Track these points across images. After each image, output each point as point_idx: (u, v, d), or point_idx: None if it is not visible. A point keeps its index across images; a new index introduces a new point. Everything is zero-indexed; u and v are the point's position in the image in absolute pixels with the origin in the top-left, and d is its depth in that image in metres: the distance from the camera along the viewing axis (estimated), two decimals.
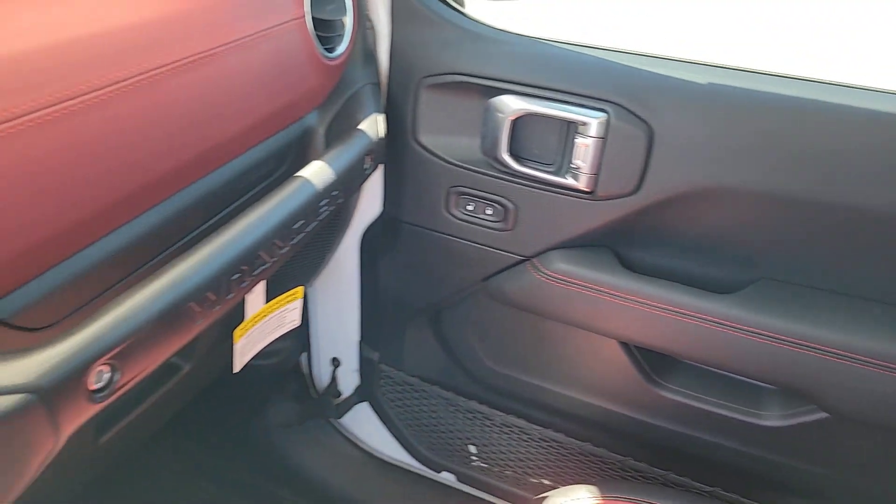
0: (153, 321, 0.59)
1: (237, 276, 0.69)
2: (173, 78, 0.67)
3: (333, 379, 1.53)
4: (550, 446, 1.30)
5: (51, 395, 0.51)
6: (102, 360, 0.55)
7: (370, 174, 1.01)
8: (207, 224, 0.80)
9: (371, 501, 1.54)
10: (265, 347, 1.09)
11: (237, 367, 1.04)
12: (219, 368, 1.17)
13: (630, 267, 1.07)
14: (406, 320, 1.36)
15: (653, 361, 1.15)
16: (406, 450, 1.52)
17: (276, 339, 1.11)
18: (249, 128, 0.82)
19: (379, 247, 1.29)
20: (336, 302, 1.42)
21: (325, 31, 0.95)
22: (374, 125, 1.00)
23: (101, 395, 0.55)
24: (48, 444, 0.53)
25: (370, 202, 1.23)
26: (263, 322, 1.05)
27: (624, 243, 1.07)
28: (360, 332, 1.45)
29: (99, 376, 0.55)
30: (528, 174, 1.04)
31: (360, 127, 0.98)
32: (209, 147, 0.75)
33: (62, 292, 0.62)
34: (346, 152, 0.92)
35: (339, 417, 1.57)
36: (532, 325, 1.19)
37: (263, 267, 0.73)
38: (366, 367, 1.48)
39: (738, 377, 1.11)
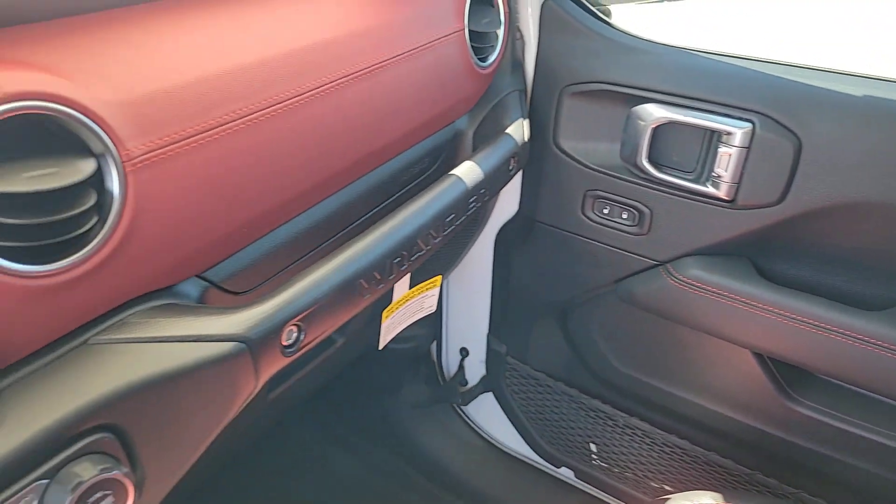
0: (333, 292, 0.69)
1: (398, 259, 0.78)
2: (355, 85, 0.78)
3: (461, 368, 1.62)
4: (674, 452, 1.31)
5: (256, 345, 0.62)
6: (294, 321, 0.65)
7: (514, 175, 1.08)
8: (372, 212, 0.90)
9: (489, 489, 1.61)
10: (403, 332, 1.19)
11: (382, 345, 1.15)
12: (364, 345, 1.29)
13: (768, 277, 1.06)
14: (534, 316, 1.41)
15: (788, 374, 1.13)
16: (527, 442, 1.57)
17: (411, 327, 1.21)
18: (411, 129, 0.91)
19: (513, 244, 1.36)
20: (468, 295, 1.51)
21: (479, 42, 1.03)
22: (519, 130, 1.07)
23: (290, 350, 0.66)
24: (249, 387, 0.64)
25: (507, 202, 1.30)
26: (406, 305, 1.15)
27: (763, 253, 1.07)
28: (489, 324, 1.52)
29: (289, 334, 0.66)
30: (666, 181, 1.06)
31: (507, 131, 1.05)
32: (379, 146, 0.85)
33: (258, 264, 0.74)
34: (494, 154, 0.99)
35: (465, 405, 1.65)
36: (661, 329, 1.20)
37: (419, 254, 0.82)
38: (493, 358, 1.55)
39: (880, 397, 1.06)
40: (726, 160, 0.99)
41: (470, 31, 1.00)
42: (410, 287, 1.15)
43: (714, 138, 1.02)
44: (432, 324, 1.64)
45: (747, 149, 0.98)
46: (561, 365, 1.42)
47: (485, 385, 1.60)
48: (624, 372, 1.30)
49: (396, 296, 1.10)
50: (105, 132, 0.53)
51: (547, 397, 1.48)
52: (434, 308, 1.23)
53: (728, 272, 1.06)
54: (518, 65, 1.16)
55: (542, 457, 1.56)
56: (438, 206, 0.85)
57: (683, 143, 1.05)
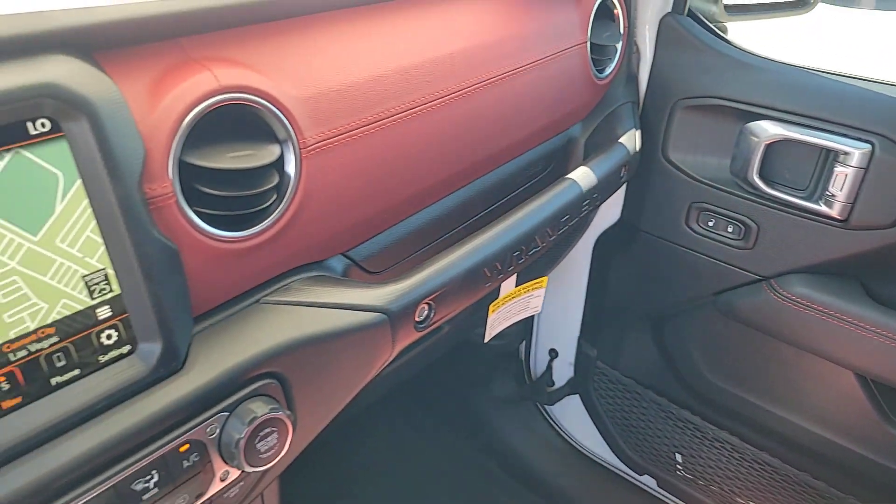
0: (461, 276, 0.76)
1: (517, 253, 0.84)
2: (488, 90, 0.85)
3: (549, 368, 1.66)
4: (763, 469, 1.31)
5: (395, 317, 0.70)
6: (426, 299, 0.73)
7: (623, 183, 1.12)
8: (490, 209, 0.97)
9: (568, 490, 1.64)
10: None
11: (487, 338, 1.21)
12: (462, 336, 1.36)
13: (878, 300, 1.05)
14: (628, 323, 1.44)
15: (891, 399, 1.11)
16: (610, 447, 1.60)
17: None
18: (531, 134, 0.97)
19: (612, 251, 1.40)
20: (562, 297, 1.55)
21: (599, 54, 1.08)
22: (631, 140, 1.11)
23: (422, 325, 0.73)
24: (386, 354, 0.72)
25: (609, 209, 1.34)
26: (512, 303, 1.21)
27: (874, 275, 1.06)
28: (581, 328, 1.56)
29: (422, 311, 0.73)
30: (776, 197, 1.08)
31: (620, 140, 1.09)
32: (502, 147, 0.91)
33: (390, 248, 0.82)
34: (607, 161, 1.04)
35: (550, 405, 1.70)
36: (760, 345, 1.21)
37: (535, 250, 0.88)
38: (582, 361, 1.59)
39: None
40: (842, 180, 1.00)
41: (591, 43, 1.05)
42: (517, 285, 1.21)
43: (830, 157, 1.02)
44: (523, 323, 1.69)
45: (865, 169, 0.98)
46: (651, 372, 1.44)
47: (572, 387, 1.64)
48: (717, 384, 1.31)
49: (504, 292, 1.17)
50: (289, 122, 0.62)
51: (634, 404, 1.50)
52: (539, 308, 1.28)
53: (836, 292, 1.06)
54: (632, 77, 1.20)
55: (624, 463, 1.58)
56: (556, 206, 0.90)
57: (797, 160, 1.06)
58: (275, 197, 0.63)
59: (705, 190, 1.17)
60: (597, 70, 1.08)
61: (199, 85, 0.56)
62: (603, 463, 1.64)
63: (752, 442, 1.31)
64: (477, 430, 1.78)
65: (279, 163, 0.63)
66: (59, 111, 0.47)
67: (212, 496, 0.60)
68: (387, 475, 1.68)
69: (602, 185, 1.00)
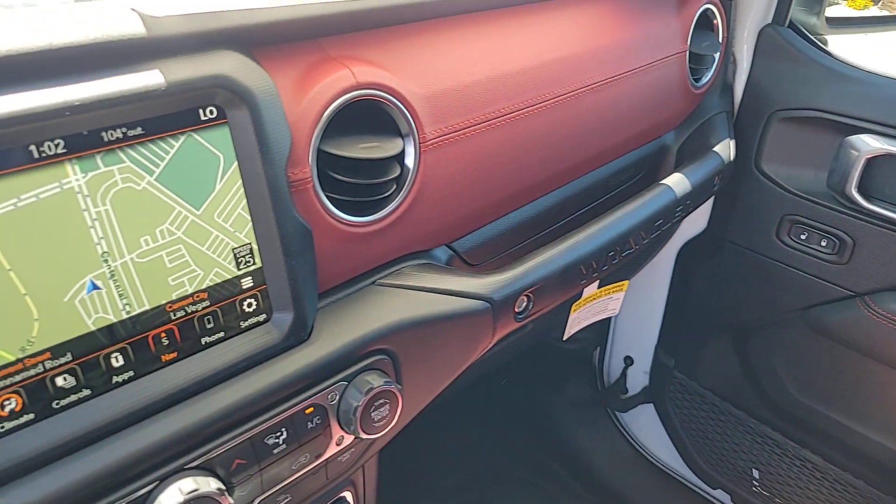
0: (559, 272, 0.79)
1: (612, 253, 0.87)
2: (591, 95, 0.88)
3: (623, 375, 1.66)
4: (846, 491, 1.28)
5: (497, 306, 0.73)
6: (526, 291, 0.76)
7: (715, 192, 1.12)
8: (583, 211, 1.00)
9: (636, 499, 1.64)
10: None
11: (566, 336, 1.24)
12: (542, 334, 1.38)
13: None
14: (709, 334, 1.43)
15: None
16: (683, 459, 1.59)
17: (580, 329, 1.28)
18: (627, 139, 1.00)
19: (696, 261, 1.39)
20: (641, 304, 1.55)
21: (696, 63, 1.10)
22: (726, 149, 1.12)
23: (520, 316, 0.77)
24: (486, 341, 0.76)
25: (694, 219, 1.34)
26: (593, 303, 1.23)
27: None
28: (659, 336, 1.56)
29: (521, 303, 0.77)
30: (876, 212, 1.06)
31: (715, 149, 1.10)
32: (600, 150, 0.94)
33: (490, 242, 0.86)
34: (701, 169, 1.05)
35: (623, 412, 1.70)
36: (850, 362, 1.19)
37: (629, 251, 0.90)
38: (658, 370, 1.58)
39: None
40: None
41: (690, 52, 1.06)
42: (599, 287, 1.23)
43: None
44: (598, 329, 1.70)
45: None
46: (731, 385, 1.43)
47: (646, 396, 1.64)
48: (801, 401, 1.29)
49: (586, 293, 1.19)
50: (412, 118, 0.67)
51: (711, 416, 1.49)
52: (617, 311, 1.30)
53: None
54: (728, 87, 1.20)
55: (697, 475, 1.57)
56: (651, 210, 0.92)
57: None
58: (394, 187, 0.68)
59: (799, 203, 1.16)
60: (693, 79, 1.09)
61: (340, 81, 0.61)
62: (674, 474, 1.63)
63: (836, 462, 1.28)
64: (545, 432, 1.80)
65: (400, 155, 0.68)
66: (227, 100, 0.54)
67: (328, 458, 0.65)
68: (448, 468, 1.72)
69: (695, 192, 1.01)
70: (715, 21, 1.12)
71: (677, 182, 0.99)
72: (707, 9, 1.08)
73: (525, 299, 0.77)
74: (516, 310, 0.76)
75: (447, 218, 0.76)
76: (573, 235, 0.83)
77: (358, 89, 0.62)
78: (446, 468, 1.72)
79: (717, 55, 1.12)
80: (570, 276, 0.81)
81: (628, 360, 1.65)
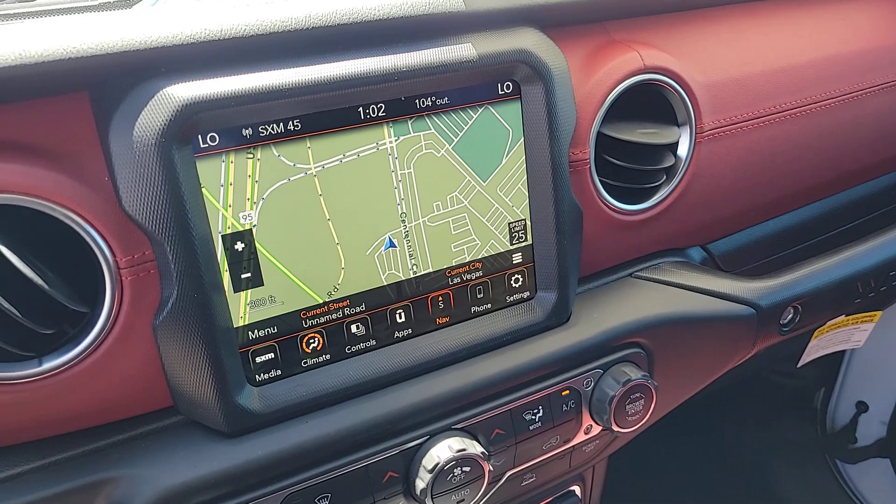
0: (831, 285, 0.72)
1: (894, 273, 0.77)
2: (876, 97, 0.79)
3: (853, 422, 1.47)
4: None
5: (763, 314, 0.68)
6: (795, 302, 0.70)
7: None
8: (846, 226, 0.90)
9: None
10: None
11: (801, 363, 1.12)
12: (766, 359, 1.26)
13: None
14: None
15: None
16: None
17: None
18: None
19: None
20: (888, 342, 1.37)
21: None
22: None
23: (786, 329, 0.71)
24: (744, 352, 0.70)
25: None
26: (837, 332, 1.10)
27: None
28: None
29: (787, 314, 0.70)
30: None
31: None
32: (878, 160, 0.84)
33: (746, 248, 0.80)
34: None
35: (851, 464, 1.51)
36: None
37: None
38: None
39: None
40: None
41: None
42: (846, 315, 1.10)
43: None
44: (827, 363, 1.52)
45: None
46: None
47: (881, 449, 1.44)
48: None
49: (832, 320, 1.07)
50: (692, 106, 0.64)
51: None
52: (861, 343, 1.15)
53: None
54: None
55: None
56: None
57: None
58: (664, 178, 0.66)
59: None
60: None
61: (627, 63, 0.60)
62: None
63: None
64: (748, 472, 1.64)
65: (674, 145, 0.65)
66: (525, 75, 0.55)
67: (574, 445, 0.64)
68: (657, 486, 1.62)
69: None
70: None
71: None
72: None
73: (792, 311, 0.70)
74: (782, 321, 0.70)
75: (710, 216, 0.71)
76: (849, 248, 0.75)
77: (644, 73, 0.61)
78: (649, 486, 1.63)
79: None
80: (844, 291, 0.73)
81: (862, 406, 1.46)
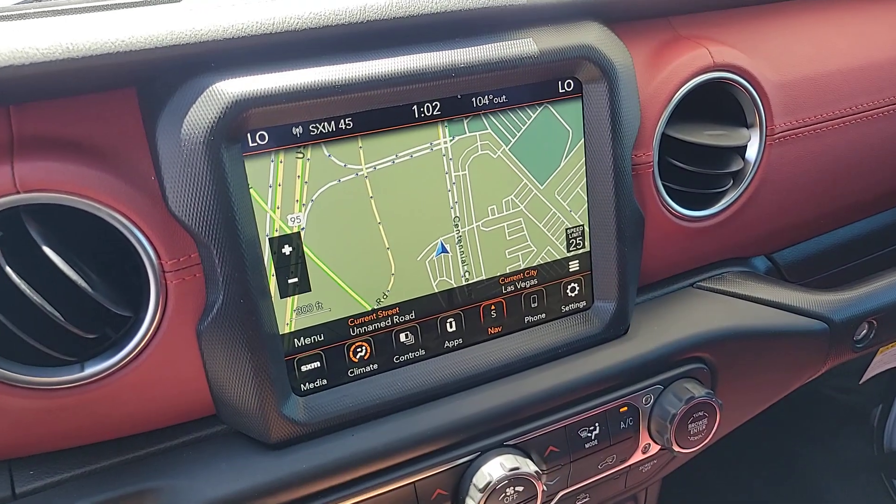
0: None
1: None
2: None
3: None
4: None
5: (836, 329, 0.64)
6: (870, 317, 0.65)
7: None
8: None
9: None
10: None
11: (864, 379, 1.06)
12: (825, 374, 1.20)
13: None
14: None
15: None
16: None
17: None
18: None
19: None
20: None
21: None
22: None
23: (859, 346, 0.66)
24: (815, 368, 0.66)
25: None
26: None
27: None
28: None
29: (861, 329, 0.66)
30: None
31: None
32: None
33: (812, 259, 0.75)
34: None
35: None
36: None
37: None
38: None
39: None
40: None
41: None
42: None
43: None
44: (886, 380, 1.45)
45: None
46: None
47: None
48: None
49: None
50: (763, 107, 0.60)
51: None
52: None
53: None
54: None
55: None
56: None
57: None
58: (730, 182, 0.62)
59: None
60: None
61: (696, 60, 0.56)
62: None
63: None
64: (801, 491, 1.58)
65: (742, 149, 0.61)
66: (588, 73, 0.52)
67: (631, 464, 0.60)
68: None
69: None
70: None
71: None
72: None
73: (867, 326, 0.66)
74: (856, 337, 0.66)
75: (777, 224, 0.67)
76: None
77: (714, 70, 0.57)
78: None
79: None
80: None
81: None
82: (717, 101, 0.61)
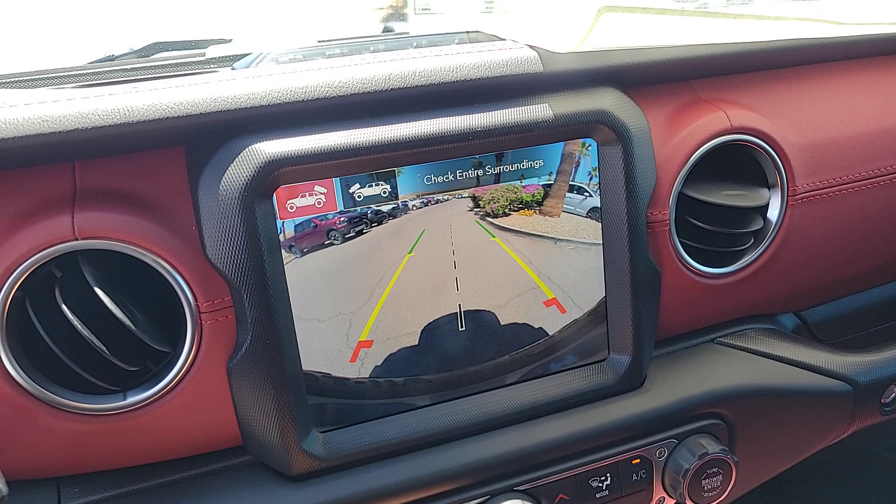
0: None
1: None
2: None
3: None
4: None
5: (861, 391, 0.63)
6: None
7: None
8: None
9: None
10: None
11: None
12: (878, 434, 1.16)
13: None
14: None
15: None
16: None
17: None
18: None
19: None
20: None
21: None
22: None
23: (888, 409, 0.65)
24: (839, 431, 0.65)
25: None
26: None
27: None
28: None
29: (890, 392, 0.65)
30: None
31: None
32: None
33: (844, 318, 0.74)
34: None
35: None
36: None
37: None
38: None
39: None
40: None
41: None
42: None
43: None
44: None
45: None
46: None
47: None
48: None
49: None
50: (784, 168, 0.61)
51: None
52: None
53: None
54: None
55: None
56: None
57: None
58: (751, 241, 0.63)
59: None
60: None
61: (713, 123, 0.58)
62: None
63: None
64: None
65: (763, 208, 0.62)
66: (604, 136, 0.54)
67: None
68: None
69: None
70: None
71: None
72: None
73: (895, 389, 0.65)
74: (883, 400, 0.64)
75: (803, 283, 0.67)
76: None
77: (731, 133, 0.59)
78: None
79: None
80: None
81: None
82: (739, 160, 0.63)
